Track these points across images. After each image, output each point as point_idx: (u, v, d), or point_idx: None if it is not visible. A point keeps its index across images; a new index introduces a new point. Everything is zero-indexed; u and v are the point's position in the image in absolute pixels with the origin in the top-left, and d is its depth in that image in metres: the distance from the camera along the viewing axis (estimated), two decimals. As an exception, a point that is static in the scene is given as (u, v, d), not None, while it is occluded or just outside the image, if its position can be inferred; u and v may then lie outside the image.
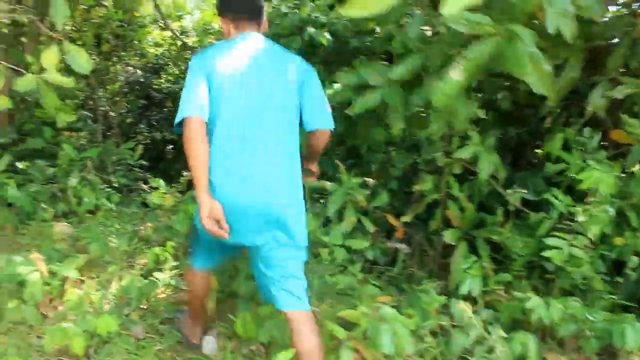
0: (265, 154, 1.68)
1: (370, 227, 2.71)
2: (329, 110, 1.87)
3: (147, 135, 6.10)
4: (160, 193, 3.05)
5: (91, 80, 4.72)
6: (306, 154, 1.97)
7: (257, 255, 1.75)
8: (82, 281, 2.52)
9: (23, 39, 4.19)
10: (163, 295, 2.62)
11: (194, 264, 2.00)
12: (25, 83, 1.60)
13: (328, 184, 2.55)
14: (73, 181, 3.59)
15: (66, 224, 3.22)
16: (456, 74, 1.87)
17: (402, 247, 3.01)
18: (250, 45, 1.76)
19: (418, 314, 2.18)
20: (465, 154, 2.47)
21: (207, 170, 1.61)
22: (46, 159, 3.97)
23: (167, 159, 6.41)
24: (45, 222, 3.22)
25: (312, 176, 2.08)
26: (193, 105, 1.62)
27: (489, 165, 2.45)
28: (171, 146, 6.67)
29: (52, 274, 2.31)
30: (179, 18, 7.18)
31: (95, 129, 4.34)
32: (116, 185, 4.00)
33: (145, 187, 4.93)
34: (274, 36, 4.07)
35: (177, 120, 1.64)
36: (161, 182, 3.12)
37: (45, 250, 2.63)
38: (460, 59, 1.86)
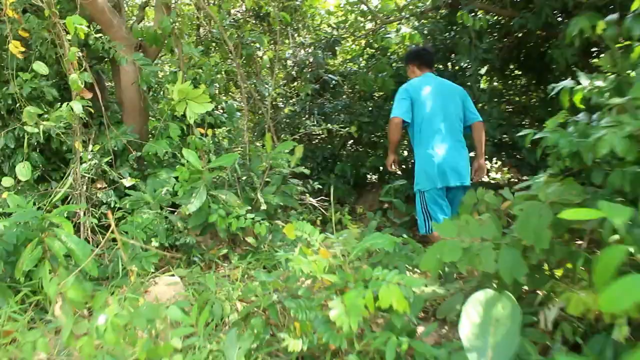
0: (446, 139, 3.03)
1: None
2: (477, 113, 3.22)
3: (318, 129, 4.72)
4: (306, 251, 1.47)
5: (238, 59, 3.49)
6: (474, 148, 3.22)
7: (448, 195, 3.04)
8: None
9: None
10: None
11: (433, 230, 2.90)
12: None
13: None
14: (195, 205, 2.33)
15: (172, 278, 1.95)
16: None
17: None
18: (431, 80, 3.16)
19: None
20: None
21: (396, 146, 3.23)
22: (173, 168, 2.82)
23: (346, 158, 4.98)
24: (147, 274, 1.99)
25: (481, 171, 3.18)
26: (399, 111, 3.04)
27: None
28: (351, 141, 5.23)
29: None
30: (357, -22, 5.76)
31: (240, 125, 3.05)
32: (264, 208, 2.65)
33: (313, 202, 3.55)
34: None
35: (391, 116, 3.09)
36: (308, 226, 1.56)
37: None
38: None
